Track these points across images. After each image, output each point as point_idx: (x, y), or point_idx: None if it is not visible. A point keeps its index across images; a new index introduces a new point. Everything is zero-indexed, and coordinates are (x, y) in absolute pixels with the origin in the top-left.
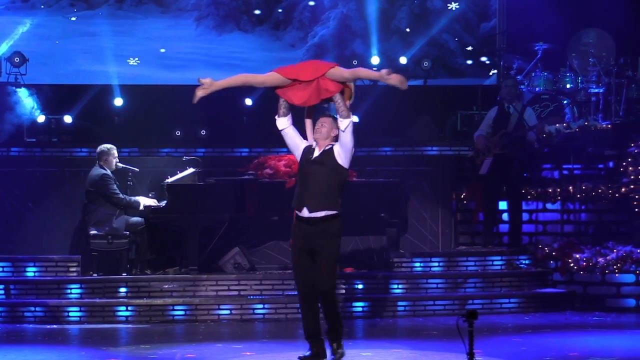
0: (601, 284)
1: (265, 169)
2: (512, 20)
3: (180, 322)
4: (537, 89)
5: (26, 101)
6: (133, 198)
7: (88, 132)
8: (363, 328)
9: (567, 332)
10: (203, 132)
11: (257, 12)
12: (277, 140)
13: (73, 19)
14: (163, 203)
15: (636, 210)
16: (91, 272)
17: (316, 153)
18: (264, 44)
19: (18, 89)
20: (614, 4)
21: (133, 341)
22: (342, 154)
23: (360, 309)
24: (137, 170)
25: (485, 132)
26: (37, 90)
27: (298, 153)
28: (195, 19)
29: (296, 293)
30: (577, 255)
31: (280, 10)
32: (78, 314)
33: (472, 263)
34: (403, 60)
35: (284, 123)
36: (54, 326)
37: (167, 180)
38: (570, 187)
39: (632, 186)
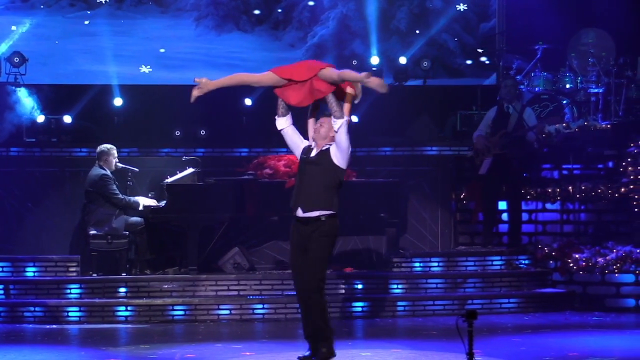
0: (601, 284)
1: (265, 169)
2: (511, 20)
3: (179, 322)
4: (536, 89)
5: (26, 101)
6: (132, 198)
7: (88, 132)
8: (362, 328)
9: (566, 332)
10: (202, 132)
11: (256, 12)
12: (277, 140)
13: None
14: (162, 203)
15: (635, 210)
16: (91, 272)
17: (313, 153)
18: (263, 44)
19: (18, 89)
20: (614, 4)
21: (132, 341)
22: (338, 154)
23: (359, 309)
24: (137, 170)
25: (484, 132)
26: (36, 90)
27: (298, 152)
28: (194, 19)
29: (295, 293)
30: (577, 255)
31: (279, 10)
32: (77, 314)
33: (472, 263)
34: (402, 60)
35: (282, 123)
36: (54, 326)
37: (166, 180)
38: (570, 187)
39: (631, 186)
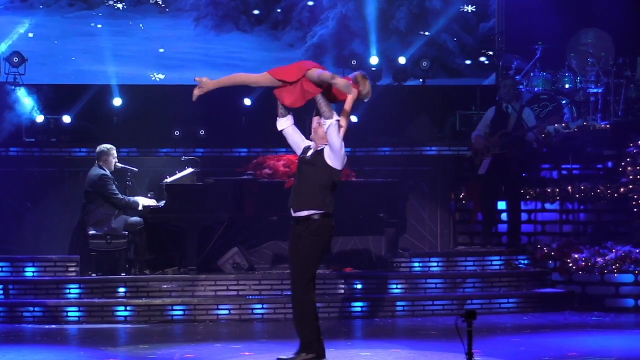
0: (600, 283)
1: (264, 169)
2: (511, 20)
3: (179, 322)
4: (535, 89)
5: (25, 101)
6: (132, 198)
7: (87, 132)
8: (362, 328)
9: (565, 332)
10: (202, 132)
11: (255, 12)
12: (276, 140)
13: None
14: (162, 203)
15: (635, 210)
16: (90, 272)
17: (310, 153)
18: (262, 44)
19: (17, 89)
20: (613, 4)
21: (132, 341)
22: (332, 155)
23: (359, 308)
24: (136, 170)
25: (483, 132)
26: (36, 90)
27: (299, 152)
28: (194, 19)
29: None
30: (576, 255)
31: (279, 10)
32: (77, 313)
33: (471, 263)
34: (402, 60)
35: (282, 123)
36: (53, 326)
37: (165, 180)
38: (569, 187)
39: (630, 186)
